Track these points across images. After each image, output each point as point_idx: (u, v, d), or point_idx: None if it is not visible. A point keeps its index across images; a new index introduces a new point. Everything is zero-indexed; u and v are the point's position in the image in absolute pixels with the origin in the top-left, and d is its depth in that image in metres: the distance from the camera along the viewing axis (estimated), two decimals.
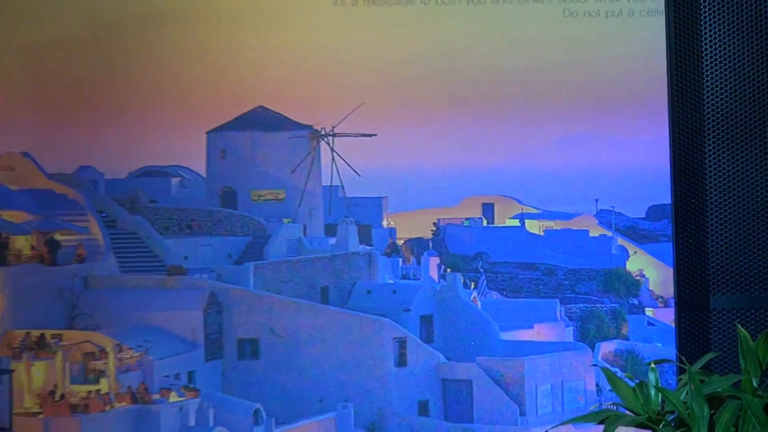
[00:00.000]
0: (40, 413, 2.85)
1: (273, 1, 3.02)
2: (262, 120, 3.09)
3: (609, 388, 2.23)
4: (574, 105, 3.04)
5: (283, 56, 3.02)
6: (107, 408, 2.85)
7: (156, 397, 2.93)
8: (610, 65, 3.05)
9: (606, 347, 3.09)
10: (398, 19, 2.98)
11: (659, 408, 1.94)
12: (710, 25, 2.37)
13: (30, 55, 2.94)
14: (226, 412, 2.92)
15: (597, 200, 3.19)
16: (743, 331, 1.99)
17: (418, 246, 3.24)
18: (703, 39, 2.38)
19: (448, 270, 3.15)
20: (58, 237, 2.97)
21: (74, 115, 3.01)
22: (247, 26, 3.00)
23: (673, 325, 2.53)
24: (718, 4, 2.30)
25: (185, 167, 3.22)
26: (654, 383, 2.00)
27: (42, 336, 2.92)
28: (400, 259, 3.19)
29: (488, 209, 3.18)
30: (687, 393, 1.89)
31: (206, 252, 3.08)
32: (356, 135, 3.03)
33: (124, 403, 2.91)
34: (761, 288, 2.32)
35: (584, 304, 3.11)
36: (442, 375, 2.98)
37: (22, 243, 3.02)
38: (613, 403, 2.08)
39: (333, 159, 3.11)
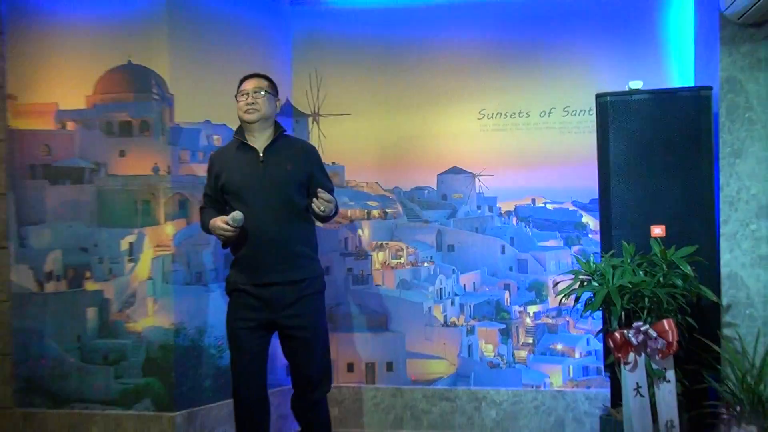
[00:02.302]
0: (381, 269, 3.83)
1: (445, 129, 3.92)
2: (455, 171, 3.96)
3: (578, 264, 3.04)
4: (566, 166, 3.85)
5: (459, 148, 3.91)
6: (405, 267, 3.88)
7: (420, 264, 3.95)
8: (580, 153, 3.81)
9: (575, 249, 3.86)
10: (512, 131, 3.88)
11: (594, 269, 2.91)
12: (612, 136, 3.21)
13: (378, 145, 3.95)
14: (444, 269, 3.93)
15: (572, 198, 3.90)
16: (624, 243, 2.99)
17: (508, 213, 3.98)
18: (610, 142, 3.22)
19: (520, 222, 3.96)
20: (387, 210, 3.93)
21: (390, 169, 3.98)
22: (443, 139, 3.92)
23: (599, 240, 3.35)
24: (617, 129, 3.18)
25: (430, 186, 3.99)
26: (592, 260, 2.97)
27: (381, 244, 3.91)
28: (503, 218, 3.97)
29: (533, 201, 3.96)
30: (603, 263, 2.91)
31: (436, 215, 3.96)
32: (487, 174, 3.91)
33: (409, 265, 3.91)
34: (628, 228, 3.17)
35: (567, 234, 3.93)
36: (517, 257, 3.90)
37: (375, 213, 3.92)
38: (578, 269, 2.99)
39: (480, 183, 3.90)
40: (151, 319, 3.54)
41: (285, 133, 3.04)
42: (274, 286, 2.90)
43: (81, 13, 3.58)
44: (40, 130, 3.64)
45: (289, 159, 2.97)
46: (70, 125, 3.63)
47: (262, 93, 2.97)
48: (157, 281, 3.54)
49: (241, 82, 3.07)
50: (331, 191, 2.99)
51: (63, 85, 3.59)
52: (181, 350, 3.53)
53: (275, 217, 2.90)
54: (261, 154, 2.95)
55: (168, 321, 3.52)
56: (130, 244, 3.57)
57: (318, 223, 3.13)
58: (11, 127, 3.65)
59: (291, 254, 2.91)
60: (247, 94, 2.97)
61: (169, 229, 3.55)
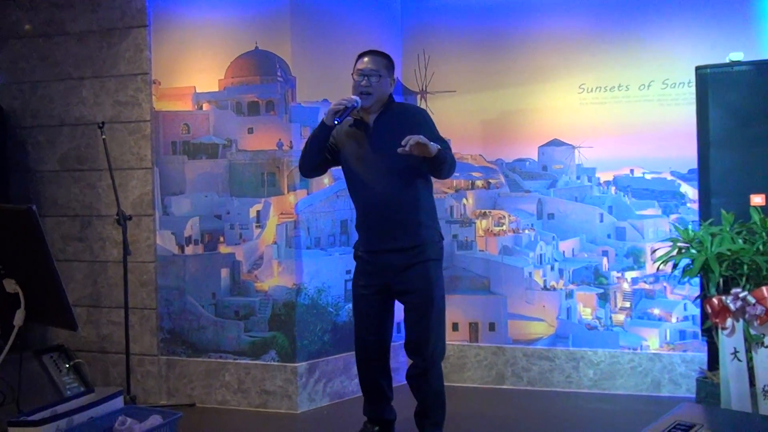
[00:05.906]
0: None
1: (546, 104, 3.83)
2: (555, 143, 3.90)
3: (676, 231, 3.04)
4: (664, 137, 3.71)
5: (560, 121, 3.85)
6: (507, 234, 3.86)
7: (522, 231, 3.91)
8: (678, 124, 3.66)
9: (673, 217, 3.72)
10: (612, 104, 3.78)
11: (692, 237, 2.90)
12: (712, 107, 3.16)
13: (482, 119, 3.93)
14: (544, 236, 3.89)
15: (670, 168, 3.75)
16: (723, 212, 2.92)
17: (607, 182, 3.82)
18: (710, 113, 3.17)
19: (619, 191, 3.85)
20: (490, 181, 3.87)
21: (493, 142, 3.94)
22: (543, 113, 3.85)
23: (698, 209, 3.34)
24: (717, 100, 3.14)
25: (531, 158, 3.94)
26: (690, 228, 2.98)
27: (485, 212, 3.91)
28: (602, 187, 3.87)
29: (631, 171, 3.85)
30: (701, 231, 2.90)
31: (536, 185, 3.92)
32: (587, 146, 3.83)
33: (511, 232, 3.88)
34: (727, 197, 3.12)
35: (665, 202, 3.76)
36: (615, 225, 3.79)
37: (479, 184, 3.92)
38: (676, 237, 3.00)
39: (579, 154, 3.84)
40: (276, 279, 3.70)
41: (394, 101, 2.94)
42: (384, 253, 2.87)
43: (214, 7, 3.76)
44: (180, 111, 3.83)
45: (395, 127, 2.80)
46: (206, 106, 3.83)
47: (376, 77, 2.82)
48: (281, 245, 3.70)
49: (359, 58, 2.92)
50: (443, 149, 2.79)
51: (199, 71, 3.78)
52: (302, 308, 3.68)
53: (383, 185, 2.84)
54: (370, 125, 2.88)
55: (291, 281, 3.68)
56: (258, 212, 3.73)
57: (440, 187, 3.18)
58: (156, 109, 3.85)
59: (398, 222, 2.84)
60: (363, 75, 2.83)
61: (291, 198, 3.70)
